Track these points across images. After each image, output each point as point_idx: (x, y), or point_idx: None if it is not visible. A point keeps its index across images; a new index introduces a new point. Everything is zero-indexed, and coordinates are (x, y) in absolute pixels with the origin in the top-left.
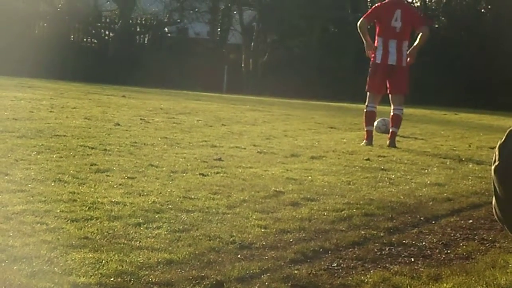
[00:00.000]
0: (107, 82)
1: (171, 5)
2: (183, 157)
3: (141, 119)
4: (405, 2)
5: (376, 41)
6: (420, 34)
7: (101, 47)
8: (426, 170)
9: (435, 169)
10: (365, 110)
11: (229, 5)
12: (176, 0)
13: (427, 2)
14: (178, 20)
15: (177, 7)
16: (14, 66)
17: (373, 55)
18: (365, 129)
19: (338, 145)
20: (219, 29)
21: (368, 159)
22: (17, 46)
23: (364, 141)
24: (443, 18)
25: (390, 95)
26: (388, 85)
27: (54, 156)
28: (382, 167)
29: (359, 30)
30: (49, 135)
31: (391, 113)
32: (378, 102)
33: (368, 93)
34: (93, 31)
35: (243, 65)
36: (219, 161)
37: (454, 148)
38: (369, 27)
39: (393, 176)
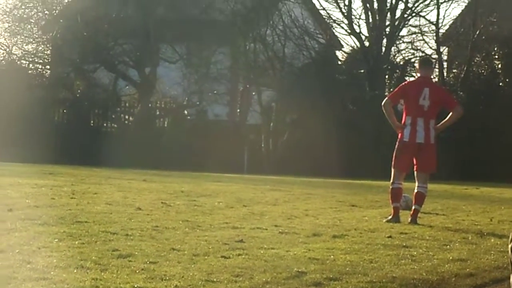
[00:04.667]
0: (128, 166)
1: (190, 88)
2: (205, 240)
3: (162, 202)
4: (433, 81)
5: (403, 119)
6: (452, 112)
7: (121, 131)
8: (448, 246)
9: (457, 244)
10: (391, 187)
11: (248, 86)
12: (195, 83)
13: (445, 77)
14: (197, 103)
15: (196, 90)
16: (34, 153)
17: (400, 133)
18: (392, 206)
19: (360, 223)
20: (238, 110)
21: (390, 237)
22: (37, 133)
23: (390, 217)
24: (461, 93)
25: (415, 172)
26: (415, 163)
27: (76, 242)
28: (404, 244)
29: (384, 111)
30: (70, 222)
31: (415, 190)
32: (403, 179)
33: (393, 170)
34: (113, 116)
35: (263, 145)
36: (241, 243)
37: (476, 223)
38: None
39: (415, 253)
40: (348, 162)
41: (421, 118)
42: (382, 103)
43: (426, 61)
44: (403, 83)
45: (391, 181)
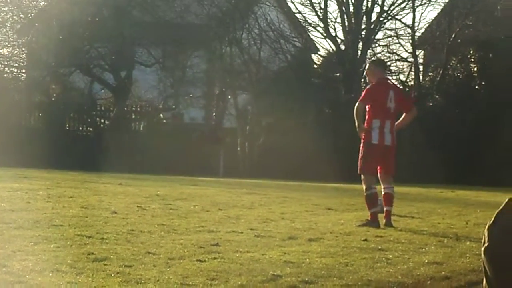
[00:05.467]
0: (104, 170)
1: (166, 91)
2: (180, 244)
3: (137, 206)
4: (392, 82)
5: (368, 122)
6: (407, 114)
7: (97, 135)
8: (423, 249)
9: (432, 247)
10: (367, 193)
11: (224, 89)
12: (171, 86)
13: (421, 80)
14: (173, 106)
15: (171, 93)
16: (9, 156)
17: (365, 136)
18: (370, 212)
19: (336, 227)
20: (214, 114)
21: (365, 240)
22: (12, 136)
23: (365, 222)
24: (437, 96)
25: (380, 175)
26: (379, 166)
27: (52, 246)
28: (380, 247)
29: (355, 114)
30: (46, 226)
31: (383, 192)
32: (374, 183)
33: (364, 175)
34: (89, 120)
35: (239, 148)
36: (216, 246)
37: (451, 226)
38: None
39: (390, 256)
40: (324, 165)
41: (388, 120)
42: (356, 107)
43: (383, 62)
44: (369, 86)
45: (365, 187)
